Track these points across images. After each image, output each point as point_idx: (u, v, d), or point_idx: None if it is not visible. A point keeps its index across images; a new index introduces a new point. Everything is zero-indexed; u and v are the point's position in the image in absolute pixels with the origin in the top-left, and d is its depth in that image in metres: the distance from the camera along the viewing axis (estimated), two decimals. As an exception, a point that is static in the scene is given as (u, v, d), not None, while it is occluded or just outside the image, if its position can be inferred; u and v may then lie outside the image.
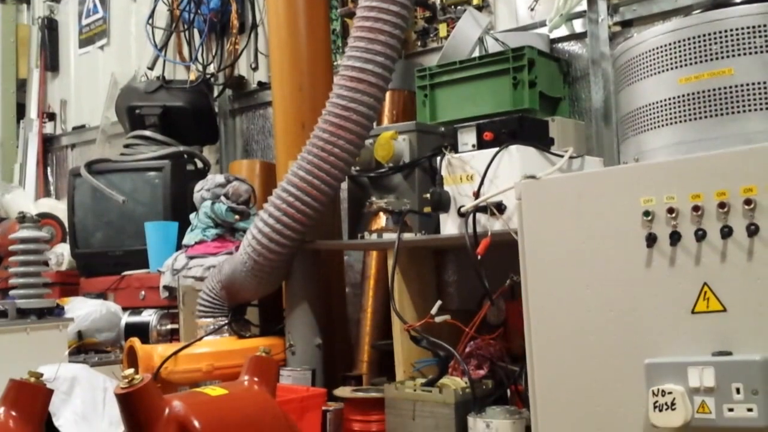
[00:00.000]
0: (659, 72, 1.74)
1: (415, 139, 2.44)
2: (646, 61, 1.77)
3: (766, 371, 1.34)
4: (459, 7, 3.09)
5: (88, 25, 4.92)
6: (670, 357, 1.45)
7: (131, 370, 1.53)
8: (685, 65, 1.70)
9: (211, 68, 3.95)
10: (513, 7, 3.02)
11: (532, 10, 2.94)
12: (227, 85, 3.98)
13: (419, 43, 3.24)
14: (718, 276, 1.44)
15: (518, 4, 3.00)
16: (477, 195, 2.06)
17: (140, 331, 2.98)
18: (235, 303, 2.69)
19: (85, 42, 4.95)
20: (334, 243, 2.69)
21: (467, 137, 2.26)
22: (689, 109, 1.69)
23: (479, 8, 3.02)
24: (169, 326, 3.04)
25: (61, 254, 3.99)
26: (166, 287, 3.07)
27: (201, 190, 3.15)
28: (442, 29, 3.15)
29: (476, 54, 2.65)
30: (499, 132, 2.17)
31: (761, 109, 1.62)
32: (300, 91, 2.87)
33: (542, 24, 2.87)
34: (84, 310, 3.09)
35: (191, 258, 3.03)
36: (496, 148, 2.08)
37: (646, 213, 1.50)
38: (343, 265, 3.16)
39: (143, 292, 3.30)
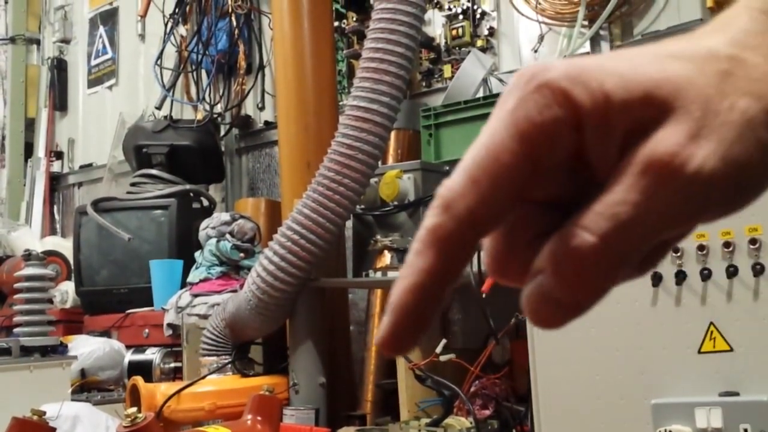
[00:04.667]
0: (662, 112, 1.76)
1: (420, 177, 2.46)
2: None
3: (774, 412, 1.33)
4: (463, 49, 3.13)
5: (97, 65, 4.98)
6: (677, 397, 1.44)
7: (134, 409, 1.53)
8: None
9: (218, 108, 3.99)
10: (516, 49, 3.06)
11: (535, 51, 2.98)
12: (234, 124, 4.01)
13: (424, 84, 3.27)
14: (724, 315, 1.44)
15: (522, 46, 3.04)
16: (482, 234, 2.06)
17: (143, 369, 2.97)
18: (239, 341, 2.68)
19: (93, 82, 5.01)
20: (338, 281, 2.69)
21: (472, 176, 2.27)
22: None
23: (483, 50, 3.06)
24: (173, 364, 3.02)
25: (66, 292, 3.99)
26: (170, 325, 3.07)
27: (206, 228, 3.16)
28: (447, 70, 3.18)
29: (480, 94, 2.68)
30: (504, 171, 2.18)
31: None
32: (306, 131, 2.89)
33: (546, 65, 2.90)
34: (87, 348, 3.08)
35: (195, 296, 3.03)
36: (501, 187, 2.09)
37: (651, 252, 1.50)
38: (347, 303, 3.15)
39: (147, 330, 3.29)
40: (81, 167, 5.07)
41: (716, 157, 0.29)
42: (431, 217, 0.31)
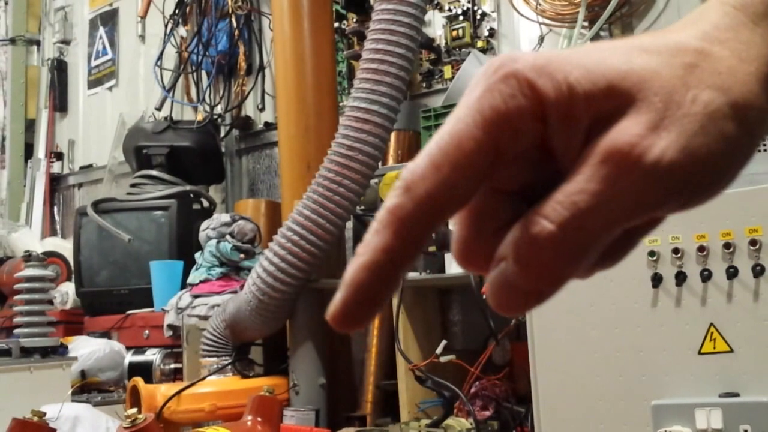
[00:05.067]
0: (662, 113, 1.76)
1: (420, 179, 2.46)
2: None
3: (775, 413, 1.33)
4: (463, 50, 3.13)
5: (97, 66, 4.98)
6: (677, 398, 1.44)
7: (134, 410, 1.53)
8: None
9: (219, 109, 3.99)
10: (517, 50, 3.06)
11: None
12: (234, 125, 4.01)
13: (424, 85, 3.28)
14: (724, 316, 1.44)
15: (522, 47, 3.04)
16: (482, 235, 2.06)
17: (144, 370, 2.97)
18: (239, 342, 2.68)
19: (93, 83, 5.01)
20: (338, 282, 2.68)
21: (472, 177, 2.27)
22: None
23: (483, 51, 3.06)
24: (173, 365, 3.02)
25: (66, 293, 3.99)
26: (170, 326, 3.07)
27: (206, 229, 3.16)
28: (447, 71, 3.18)
29: (481, 95, 2.68)
30: (504, 172, 2.18)
31: (765, 150, 1.64)
32: (306, 132, 2.90)
33: (546, 66, 2.90)
34: (87, 349, 3.08)
35: (196, 297, 3.03)
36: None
37: (652, 253, 1.50)
38: (347, 304, 3.15)
39: (147, 331, 3.29)
40: (81, 168, 5.07)
41: (676, 148, 0.29)
42: (392, 198, 0.31)
